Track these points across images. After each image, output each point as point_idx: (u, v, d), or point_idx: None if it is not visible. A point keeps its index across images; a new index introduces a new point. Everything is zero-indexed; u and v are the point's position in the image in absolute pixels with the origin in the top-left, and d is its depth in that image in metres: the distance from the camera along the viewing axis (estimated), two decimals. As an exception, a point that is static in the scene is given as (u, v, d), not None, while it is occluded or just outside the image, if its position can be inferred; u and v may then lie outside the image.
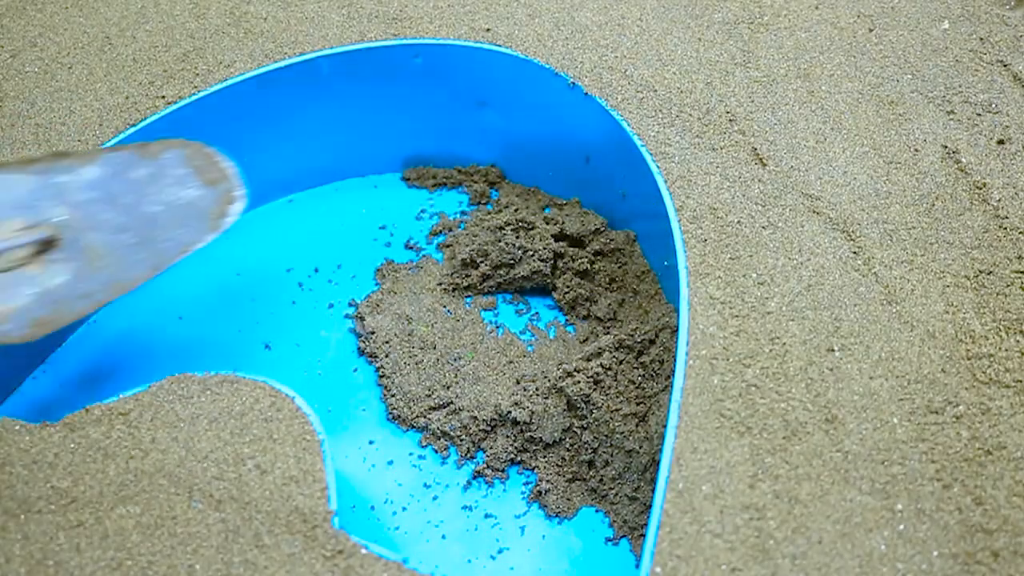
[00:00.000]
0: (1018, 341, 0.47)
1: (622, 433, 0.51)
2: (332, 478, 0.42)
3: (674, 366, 0.47)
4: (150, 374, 0.59)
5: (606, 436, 0.52)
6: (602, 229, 0.64)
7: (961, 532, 0.40)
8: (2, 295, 0.52)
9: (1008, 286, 0.49)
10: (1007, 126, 0.57)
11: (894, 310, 0.48)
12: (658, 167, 0.55)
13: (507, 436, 0.55)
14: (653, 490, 0.42)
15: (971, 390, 0.45)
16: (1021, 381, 0.45)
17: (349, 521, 0.53)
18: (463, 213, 0.69)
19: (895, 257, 0.51)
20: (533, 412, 0.54)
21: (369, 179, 0.72)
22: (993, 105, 0.58)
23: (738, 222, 0.52)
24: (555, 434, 0.54)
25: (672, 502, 0.41)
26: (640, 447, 0.50)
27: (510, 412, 0.54)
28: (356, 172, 0.72)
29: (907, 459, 0.43)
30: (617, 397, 0.53)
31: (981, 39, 0.63)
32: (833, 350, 0.47)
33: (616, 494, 0.52)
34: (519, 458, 0.55)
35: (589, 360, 0.54)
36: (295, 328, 0.62)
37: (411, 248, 0.67)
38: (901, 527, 0.40)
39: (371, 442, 0.57)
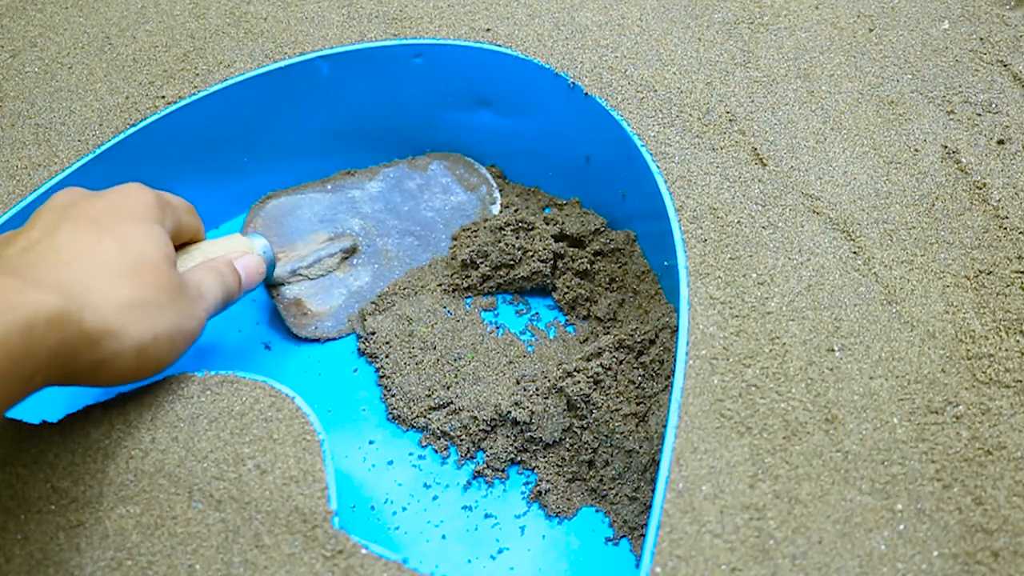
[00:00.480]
0: (1018, 341, 0.47)
1: (622, 433, 0.51)
2: (332, 478, 0.42)
3: (674, 366, 0.47)
4: (150, 374, 0.59)
5: (606, 436, 0.52)
6: (602, 229, 0.64)
7: (961, 532, 0.40)
8: (322, 297, 0.61)
9: (1008, 286, 0.49)
10: (1007, 126, 0.57)
11: (894, 310, 0.48)
12: (658, 167, 0.55)
13: (507, 436, 0.55)
14: (653, 490, 0.42)
15: (971, 390, 0.45)
16: (1021, 381, 0.45)
17: (349, 521, 0.53)
18: (463, 213, 0.69)
19: (895, 257, 0.51)
20: (533, 412, 0.54)
21: (369, 179, 0.72)
22: (993, 105, 0.58)
23: (738, 222, 0.52)
24: (555, 434, 0.54)
25: (672, 502, 0.41)
26: (640, 447, 0.50)
27: (510, 412, 0.54)
28: (356, 172, 0.72)
29: (907, 459, 0.43)
30: (617, 397, 0.52)
31: (981, 39, 0.63)
32: (833, 350, 0.47)
33: (616, 494, 0.52)
34: (519, 458, 0.55)
35: (589, 360, 0.54)
36: (295, 328, 0.62)
37: (411, 248, 0.67)
38: (901, 527, 0.40)
39: (371, 442, 0.57)
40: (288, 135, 0.67)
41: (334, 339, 0.61)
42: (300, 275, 0.60)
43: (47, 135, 0.58)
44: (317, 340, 0.61)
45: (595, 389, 0.53)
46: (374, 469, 0.56)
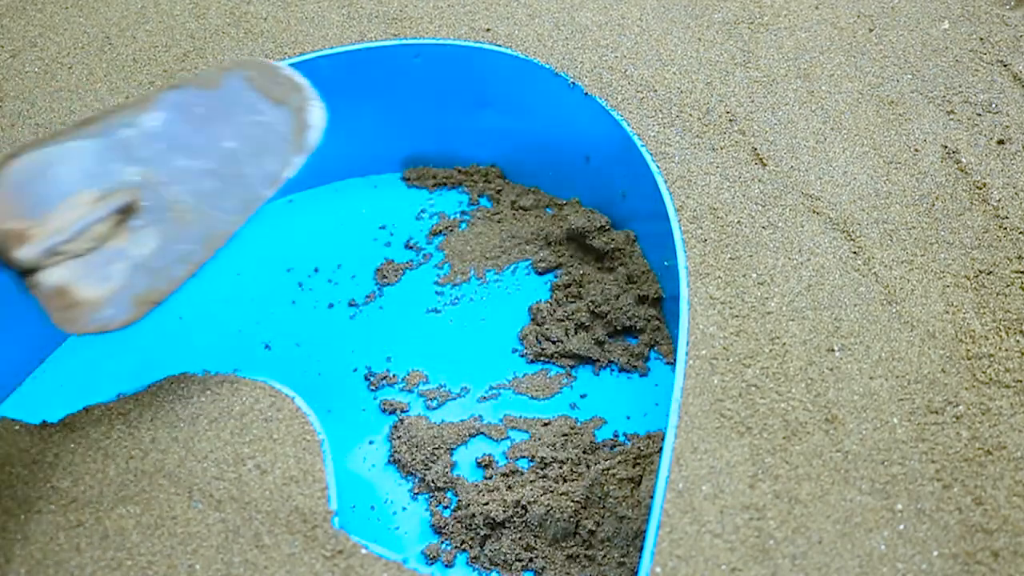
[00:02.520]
0: (1018, 341, 0.47)
1: (616, 498, 0.50)
2: (332, 478, 0.42)
3: (674, 366, 0.47)
4: (150, 374, 0.59)
5: (599, 498, 0.51)
6: (606, 227, 0.63)
7: (961, 532, 0.40)
8: (93, 278, 0.46)
9: (1008, 286, 0.49)
10: (1007, 126, 0.57)
11: (894, 310, 0.48)
12: (658, 167, 0.55)
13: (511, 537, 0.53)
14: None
15: (971, 390, 0.45)
16: (1021, 381, 0.45)
17: (349, 521, 0.53)
18: (463, 213, 0.69)
19: (895, 257, 0.51)
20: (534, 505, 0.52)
21: (369, 179, 0.72)
22: (993, 105, 0.58)
23: (738, 222, 0.52)
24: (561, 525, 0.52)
25: (672, 502, 0.41)
26: (632, 513, 0.49)
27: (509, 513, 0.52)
28: (356, 172, 0.72)
29: (907, 459, 0.43)
30: (614, 457, 0.51)
31: (981, 39, 0.63)
32: (833, 350, 0.47)
33: (604, 556, 0.50)
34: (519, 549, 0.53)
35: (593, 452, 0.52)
36: (295, 328, 0.62)
37: (411, 248, 0.67)
38: (901, 527, 0.40)
39: (371, 442, 0.57)
40: (288, 135, 0.67)
41: (118, 329, 0.47)
42: (61, 253, 0.45)
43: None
44: (101, 332, 0.47)
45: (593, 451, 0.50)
46: (374, 469, 0.56)
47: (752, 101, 0.59)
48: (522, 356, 0.61)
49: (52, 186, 0.47)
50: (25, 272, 0.45)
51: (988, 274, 0.50)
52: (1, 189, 0.46)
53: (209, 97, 0.52)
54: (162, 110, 0.50)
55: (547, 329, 0.61)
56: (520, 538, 0.51)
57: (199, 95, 0.51)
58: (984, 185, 0.54)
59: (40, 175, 0.47)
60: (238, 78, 0.52)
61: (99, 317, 0.46)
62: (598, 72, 0.61)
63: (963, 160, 0.55)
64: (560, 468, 0.53)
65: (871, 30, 0.64)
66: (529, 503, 0.51)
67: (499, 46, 0.63)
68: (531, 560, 0.51)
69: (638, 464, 0.50)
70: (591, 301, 0.61)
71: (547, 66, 0.61)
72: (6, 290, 0.54)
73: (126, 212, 0.47)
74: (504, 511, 0.51)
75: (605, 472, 0.50)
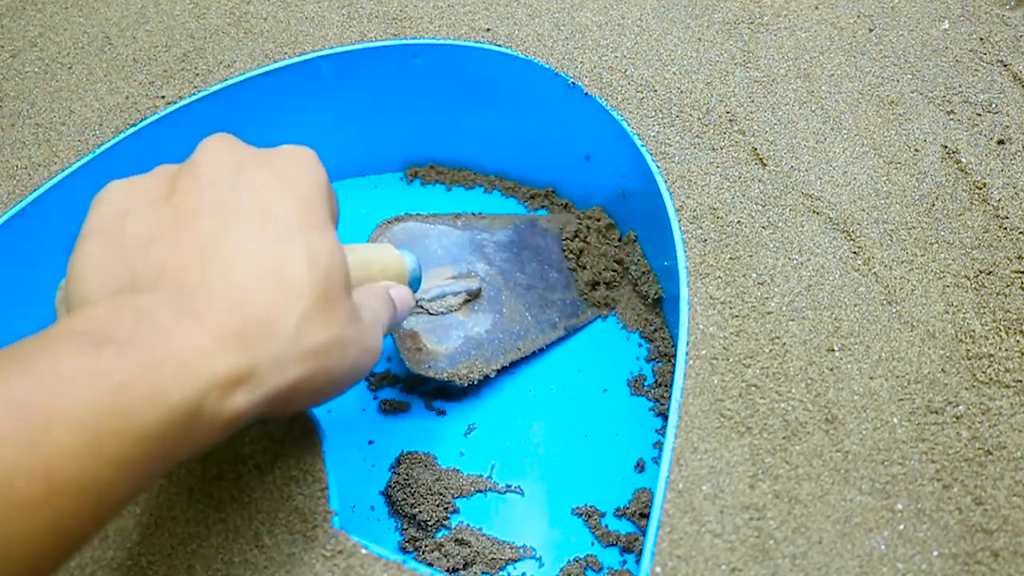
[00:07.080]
0: (1018, 341, 0.47)
1: None
2: (332, 478, 0.42)
3: (674, 366, 0.47)
4: (150, 374, 0.59)
5: None
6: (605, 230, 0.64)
7: (961, 532, 0.40)
8: (440, 335, 0.56)
9: (1008, 286, 0.49)
10: (1007, 126, 0.57)
11: (894, 310, 0.48)
12: (658, 167, 0.55)
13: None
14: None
15: (971, 390, 0.45)
16: (1021, 381, 0.45)
17: (349, 521, 0.53)
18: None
19: (895, 257, 0.51)
20: None
21: (369, 179, 0.72)
22: (993, 105, 0.58)
23: (738, 222, 0.52)
24: None
25: (672, 502, 0.41)
26: None
27: None
28: (356, 172, 0.72)
29: (907, 459, 0.43)
30: None
31: (981, 39, 0.63)
32: (833, 350, 0.47)
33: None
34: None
35: None
36: (295, 328, 0.62)
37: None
38: (901, 527, 0.40)
39: (371, 442, 0.57)
40: (288, 135, 0.67)
41: (445, 380, 0.56)
42: (420, 308, 0.56)
43: (47, 135, 0.58)
44: (430, 378, 0.56)
45: None
46: (374, 469, 0.56)
47: (752, 101, 0.59)
48: (522, 356, 0.61)
49: (424, 253, 0.59)
50: None
51: (988, 274, 0.50)
52: (387, 239, 0.58)
53: (547, 236, 0.64)
54: (514, 232, 0.63)
55: (547, 329, 0.61)
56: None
57: (542, 230, 0.64)
58: (984, 185, 0.54)
59: (416, 240, 0.59)
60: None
61: (436, 366, 0.55)
62: (598, 72, 0.61)
63: (963, 160, 0.55)
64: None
65: (871, 30, 0.64)
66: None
67: (499, 46, 0.63)
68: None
69: None
70: (591, 301, 0.62)
71: (547, 66, 0.61)
72: (6, 291, 0.54)
73: (473, 295, 0.58)
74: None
75: None
